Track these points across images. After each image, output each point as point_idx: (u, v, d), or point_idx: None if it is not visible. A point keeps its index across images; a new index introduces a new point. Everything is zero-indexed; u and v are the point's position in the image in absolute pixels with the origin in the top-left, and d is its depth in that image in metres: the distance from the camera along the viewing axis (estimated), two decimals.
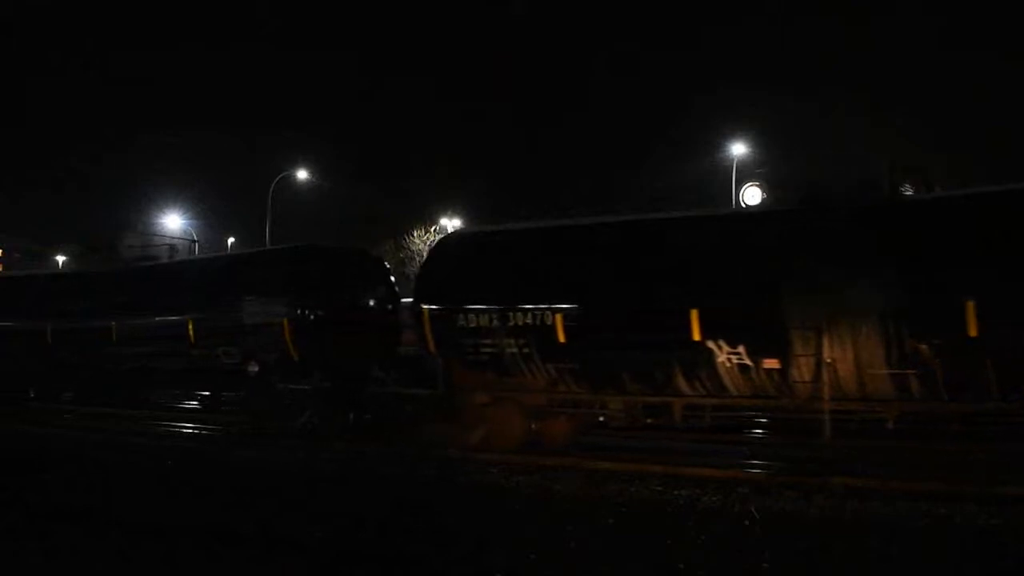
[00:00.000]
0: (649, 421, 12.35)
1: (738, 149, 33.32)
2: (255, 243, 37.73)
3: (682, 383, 11.65)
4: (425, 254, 15.21)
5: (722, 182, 32.92)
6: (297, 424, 15.13)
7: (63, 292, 20.71)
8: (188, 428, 16.90)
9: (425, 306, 13.51)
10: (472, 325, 12.87)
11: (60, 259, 62.03)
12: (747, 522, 8.36)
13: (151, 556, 7.39)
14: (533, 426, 12.96)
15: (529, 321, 12.41)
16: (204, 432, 16.40)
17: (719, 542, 7.56)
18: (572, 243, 13.04)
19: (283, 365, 15.50)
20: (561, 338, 12.17)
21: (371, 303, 16.70)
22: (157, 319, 17.62)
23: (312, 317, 15.48)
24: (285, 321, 15.31)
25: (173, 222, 43.99)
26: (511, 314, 12.56)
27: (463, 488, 10.62)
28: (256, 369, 15.69)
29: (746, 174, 31.49)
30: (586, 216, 14.05)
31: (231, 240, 50.39)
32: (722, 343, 11.11)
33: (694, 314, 11.21)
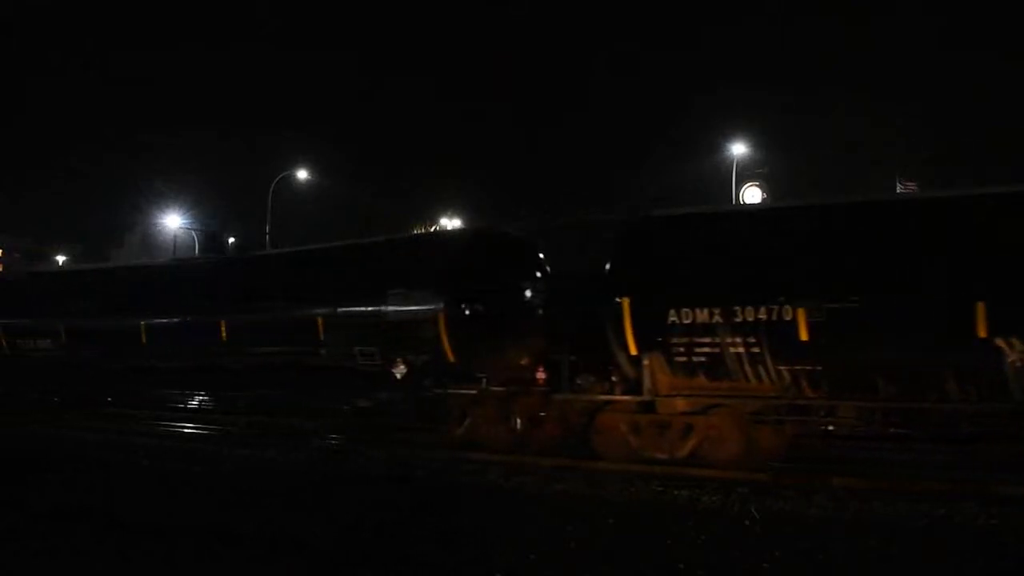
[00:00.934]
0: (892, 431, 11.06)
1: (738, 149, 33.35)
2: (255, 243, 37.73)
3: (952, 386, 10.24)
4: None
5: (722, 183, 32.96)
6: (456, 434, 13.54)
7: (159, 285, 18.40)
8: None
9: (623, 299, 11.85)
10: (687, 322, 11.40)
11: (60, 259, 62.14)
12: (747, 522, 8.35)
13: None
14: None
15: (762, 316, 10.93)
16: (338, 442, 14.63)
17: (719, 542, 7.56)
18: (821, 226, 11.44)
19: (437, 367, 13.41)
20: (803, 335, 10.73)
21: (529, 295, 14.40)
22: (278, 315, 15.35)
23: (472, 311, 13.34)
24: (441, 316, 13.16)
25: (173, 222, 44.02)
26: (738, 309, 11.07)
27: (463, 488, 10.62)
28: (403, 371, 13.63)
29: (746, 174, 31.59)
30: (830, 197, 12.62)
31: (231, 240, 50.39)
32: (1015, 341, 9.78)
33: (980, 307, 9.83)
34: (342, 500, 9.83)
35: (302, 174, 40.09)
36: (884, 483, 9.92)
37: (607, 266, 12.57)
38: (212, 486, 10.72)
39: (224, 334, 15.87)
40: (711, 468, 11.04)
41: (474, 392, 13.34)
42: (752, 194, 29.13)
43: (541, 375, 13.19)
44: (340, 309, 14.27)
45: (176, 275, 18.99)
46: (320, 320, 14.35)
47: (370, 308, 13.85)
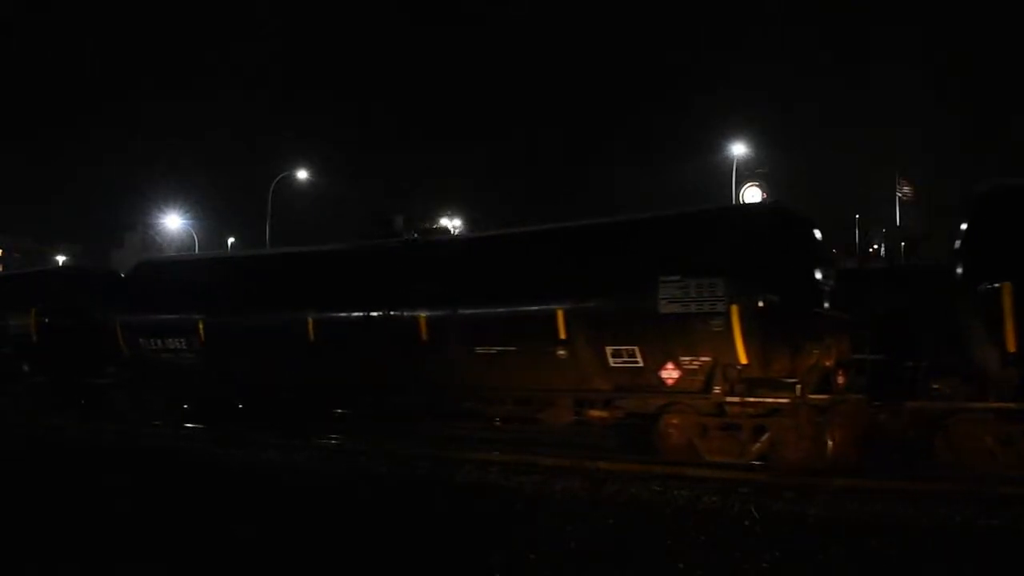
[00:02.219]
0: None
1: (738, 149, 33.37)
2: (255, 243, 37.77)
3: None
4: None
5: (721, 183, 32.97)
6: (752, 451, 11.39)
7: (330, 273, 15.59)
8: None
9: (1001, 284, 9.86)
10: None
11: (60, 259, 62.13)
12: (747, 522, 8.34)
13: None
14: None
15: None
16: None
17: (719, 542, 7.55)
18: None
19: (726, 371, 11.28)
20: None
21: (827, 288, 12.32)
22: (498, 309, 12.96)
23: (770, 304, 11.14)
24: (735, 309, 11.13)
25: (173, 222, 44.03)
26: None
27: (463, 488, 10.61)
28: (675, 376, 11.64)
29: (746, 174, 31.59)
30: None
31: (231, 240, 50.41)
32: None
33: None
34: (342, 500, 9.84)
35: (302, 174, 40.15)
36: (884, 483, 9.92)
37: (958, 245, 10.77)
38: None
39: (424, 332, 13.41)
40: None
41: (784, 401, 11.02)
42: (752, 194, 29.11)
43: (841, 379, 11.36)
44: (588, 302, 12.11)
45: (354, 262, 15.68)
46: (561, 314, 12.19)
47: (632, 300, 11.80)
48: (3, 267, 56.81)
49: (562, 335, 12.10)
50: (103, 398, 18.45)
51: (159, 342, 16.74)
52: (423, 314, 13.37)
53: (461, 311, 13.20)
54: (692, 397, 11.55)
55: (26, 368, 19.32)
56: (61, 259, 62.36)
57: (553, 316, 12.12)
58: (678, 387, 11.56)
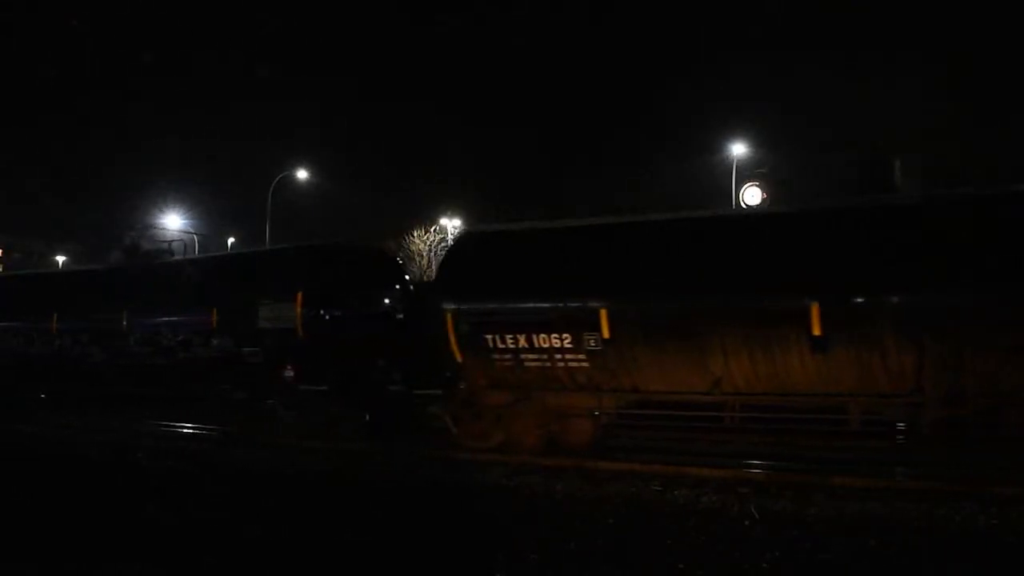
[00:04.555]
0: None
1: (738, 149, 33.39)
2: (255, 243, 37.80)
3: None
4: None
5: (721, 184, 32.99)
6: None
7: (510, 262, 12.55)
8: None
9: None
10: None
11: (60, 259, 62.08)
12: (747, 522, 8.36)
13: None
14: None
15: None
16: None
17: (719, 542, 7.57)
18: None
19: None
20: None
21: None
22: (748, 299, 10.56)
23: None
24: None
25: (173, 222, 44.06)
26: None
27: (463, 488, 10.63)
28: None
29: (746, 174, 31.59)
30: None
31: (231, 240, 50.44)
32: None
33: None
34: (342, 501, 9.85)
35: (302, 174, 40.17)
36: (884, 483, 9.94)
37: None
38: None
39: (606, 327, 11.11)
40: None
41: None
42: (752, 194, 29.14)
43: None
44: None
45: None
46: (815, 309, 10.04)
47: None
48: (3, 267, 56.66)
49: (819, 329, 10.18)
50: (423, 417, 13.44)
51: (520, 340, 11.85)
52: (604, 308, 11.33)
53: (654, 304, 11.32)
54: None
55: (290, 374, 14.64)
56: (61, 259, 62.29)
57: (808, 311, 10.21)
58: None
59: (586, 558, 7.10)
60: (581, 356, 11.50)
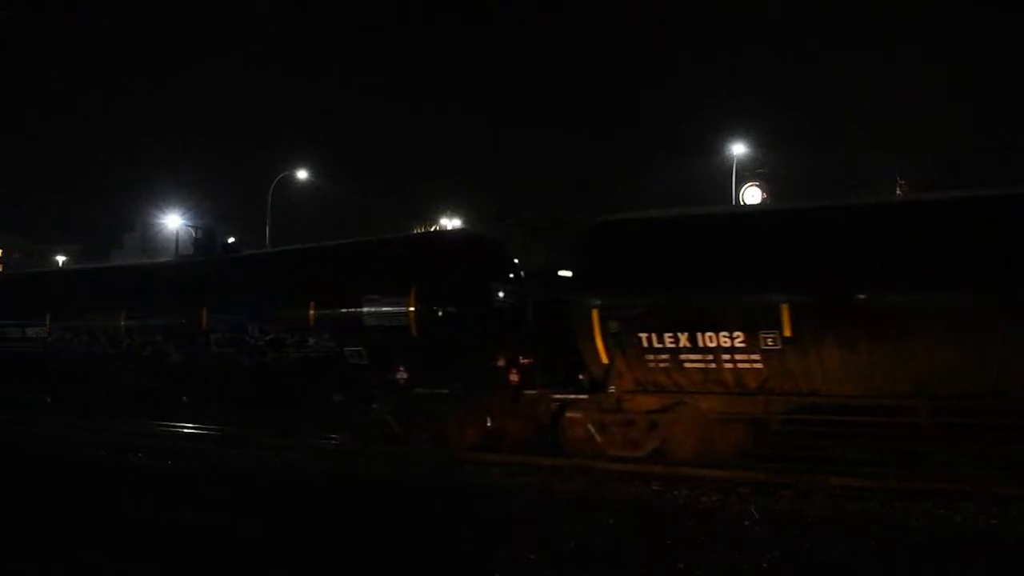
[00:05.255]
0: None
1: (738, 149, 33.34)
2: (255, 243, 37.82)
3: None
4: None
5: (721, 184, 32.96)
6: None
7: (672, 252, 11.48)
8: None
9: None
10: None
11: (60, 259, 62.07)
12: (747, 522, 8.36)
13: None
14: None
15: None
16: None
17: (719, 542, 7.56)
18: None
19: None
20: None
21: None
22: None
23: None
24: None
25: (173, 222, 44.01)
26: None
27: (463, 488, 10.62)
28: None
29: (746, 174, 31.57)
30: None
31: (231, 240, 50.35)
32: None
33: None
34: (342, 501, 9.85)
35: (302, 174, 40.15)
36: (884, 483, 9.93)
37: None
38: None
39: (788, 326, 10.14)
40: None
41: None
42: (752, 194, 29.12)
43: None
44: None
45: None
46: None
47: None
48: (3, 267, 56.62)
49: None
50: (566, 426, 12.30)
51: (681, 339, 10.70)
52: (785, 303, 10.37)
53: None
54: None
55: (403, 377, 13.22)
56: (61, 259, 62.27)
57: None
58: None
59: (586, 558, 7.10)
60: (755, 356, 10.33)
